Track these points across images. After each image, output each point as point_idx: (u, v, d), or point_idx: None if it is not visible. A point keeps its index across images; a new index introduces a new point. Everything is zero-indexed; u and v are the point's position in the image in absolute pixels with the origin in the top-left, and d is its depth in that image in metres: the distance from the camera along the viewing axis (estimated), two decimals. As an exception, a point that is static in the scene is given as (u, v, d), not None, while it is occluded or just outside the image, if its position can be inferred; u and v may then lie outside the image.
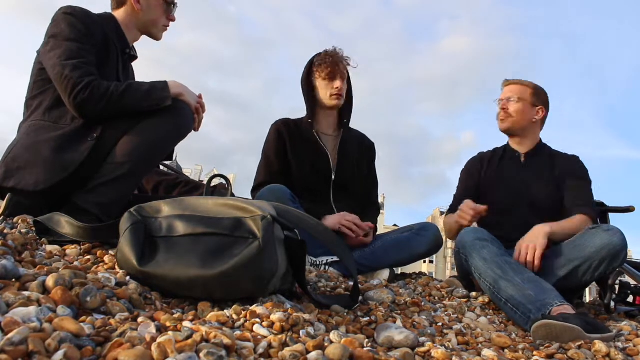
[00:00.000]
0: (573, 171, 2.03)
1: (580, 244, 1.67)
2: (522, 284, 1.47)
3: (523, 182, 2.05)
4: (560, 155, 2.12)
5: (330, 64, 2.11)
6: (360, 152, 2.29)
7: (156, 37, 1.86)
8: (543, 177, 2.04)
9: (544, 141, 2.17)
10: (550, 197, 1.99)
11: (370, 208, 2.25)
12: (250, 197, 2.07)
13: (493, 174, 2.14)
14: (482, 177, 2.16)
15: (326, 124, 2.23)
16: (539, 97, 2.12)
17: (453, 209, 2.13)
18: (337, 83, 2.12)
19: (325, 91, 2.14)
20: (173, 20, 1.86)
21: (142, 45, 1.90)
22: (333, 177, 2.15)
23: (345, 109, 2.24)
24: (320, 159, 2.15)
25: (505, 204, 2.04)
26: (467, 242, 1.70)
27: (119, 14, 1.77)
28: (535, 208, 1.98)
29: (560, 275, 1.66)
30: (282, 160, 2.13)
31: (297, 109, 2.29)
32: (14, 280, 0.79)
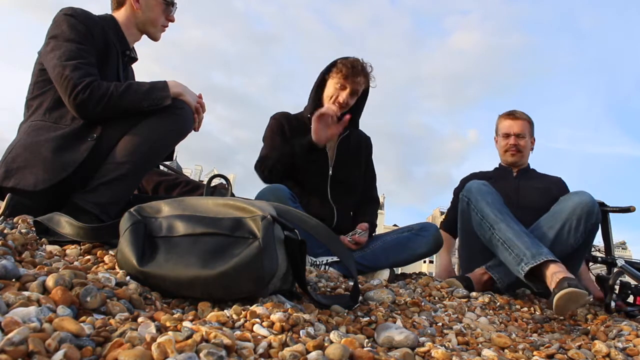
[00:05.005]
0: (562, 188, 2.31)
1: (556, 211, 1.89)
2: (520, 231, 1.65)
3: (514, 188, 2.29)
4: (546, 175, 2.42)
5: (347, 73, 2.07)
6: (358, 148, 2.29)
7: (154, 37, 1.86)
8: (532, 185, 2.30)
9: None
10: (538, 201, 2.18)
11: (369, 203, 2.27)
12: (253, 195, 2.06)
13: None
14: None
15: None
16: (533, 128, 2.44)
17: (446, 224, 2.50)
18: (344, 95, 2.09)
19: (329, 93, 2.13)
20: (172, 20, 1.86)
21: (145, 43, 1.90)
22: (330, 172, 2.15)
23: (352, 110, 2.20)
24: (318, 155, 2.15)
25: None
26: (473, 186, 1.88)
27: (119, 14, 1.77)
28: (523, 211, 2.09)
29: (548, 243, 1.78)
30: (283, 145, 2.14)
31: (303, 107, 2.29)
32: (14, 280, 0.79)
